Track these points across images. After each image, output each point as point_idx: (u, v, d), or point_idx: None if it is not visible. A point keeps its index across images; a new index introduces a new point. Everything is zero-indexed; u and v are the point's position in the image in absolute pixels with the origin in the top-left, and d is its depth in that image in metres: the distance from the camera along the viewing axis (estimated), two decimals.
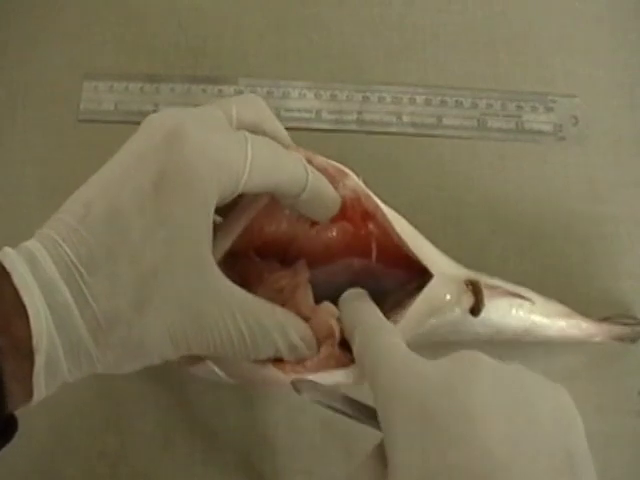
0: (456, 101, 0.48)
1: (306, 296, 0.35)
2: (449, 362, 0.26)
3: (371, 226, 0.36)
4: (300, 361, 0.33)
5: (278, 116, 0.47)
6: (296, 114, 0.47)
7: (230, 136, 0.30)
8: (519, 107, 0.48)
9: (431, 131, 0.47)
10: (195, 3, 0.51)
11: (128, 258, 0.26)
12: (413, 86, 0.48)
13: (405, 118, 0.47)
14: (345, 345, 0.34)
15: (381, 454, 0.26)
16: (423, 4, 0.51)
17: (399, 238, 0.35)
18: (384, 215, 0.35)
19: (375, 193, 0.44)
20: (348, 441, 0.41)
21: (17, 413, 0.40)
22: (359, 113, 0.47)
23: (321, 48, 0.49)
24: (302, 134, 0.47)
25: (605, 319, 0.42)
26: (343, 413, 0.30)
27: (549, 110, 0.48)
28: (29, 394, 0.26)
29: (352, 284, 0.36)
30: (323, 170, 0.34)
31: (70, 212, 0.27)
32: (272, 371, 0.32)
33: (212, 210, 0.29)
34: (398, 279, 0.37)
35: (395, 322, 0.34)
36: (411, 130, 0.47)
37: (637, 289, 0.44)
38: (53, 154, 0.46)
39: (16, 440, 0.40)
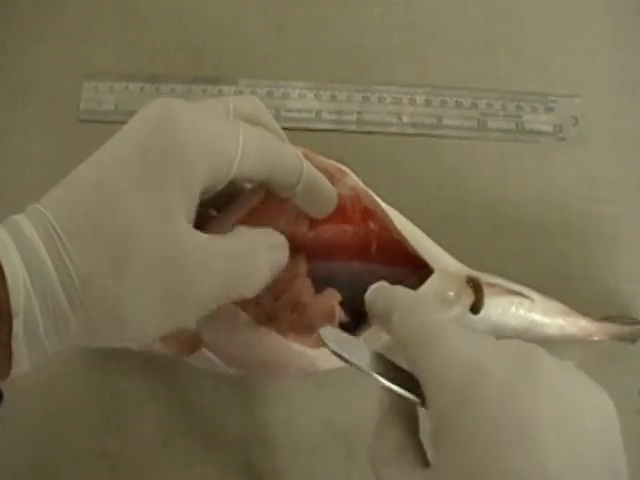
0: (456, 101, 0.48)
1: (305, 284, 0.35)
2: (510, 355, 0.25)
3: (371, 225, 0.36)
4: (297, 331, 0.33)
5: (278, 116, 0.47)
6: (296, 114, 0.47)
7: (223, 122, 0.30)
8: (519, 107, 0.48)
9: (431, 131, 0.47)
10: (195, 3, 0.51)
11: (108, 221, 0.26)
12: (413, 86, 0.48)
13: (405, 118, 0.47)
14: (345, 329, 0.34)
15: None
16: (423, 4, 0.51)
17: (399, 234, 0.35)
18: (384, 211, 0.35)
19: (376, 193, 0.44)
20: (348, 441, 0.41)
21: (16, 414, 0.41)
22: (359, 113, 0.47)
23: (321, 48, 0.49)
24: (302, 134, 0.47)
25: (604, 319, 0.42)
26: (370, 375, 0.27)
27: (549, 110, 0.48)
28: (9, 361, 0.26)
29: (352, 282, 0.36)
30: (322, 169, 0.34)
31: (58, 185, 0.28)
32: (274, 337, 0.32)
33: (198, 190, 0.29)
34: (399, 275, 0.37)
35: None
36: (411, 130, 0.47)
37: (637, 290, 0.44)
38: (53, 154, 0.46)
39: (15, 440, 0.41)
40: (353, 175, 0.35)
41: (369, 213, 0.35)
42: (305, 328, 0.34)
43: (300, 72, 0.49)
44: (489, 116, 0.47)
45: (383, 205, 0.35)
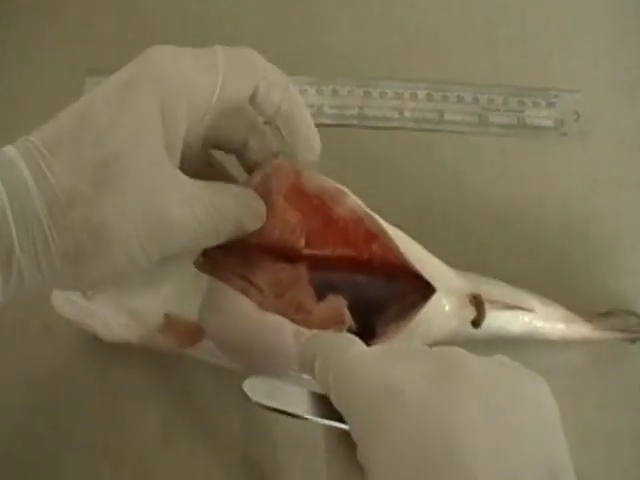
0: (458, 96, 0.48)
1: (307, 291, 0.35)
2: (428, 369, 0.23)
3: (374, 247, 0.35)
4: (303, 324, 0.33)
5: None
6: None
7: (201, 54, 0.31)
8: (521, 102, 0.48)
9: (432, 126, 0.47)
10: (196, 0, 0.51)
11: (92, 141, 0.27)
12: (415, 81, 0.48)
13: (407, 113, 0.47)
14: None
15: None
16: (423, 1, 0.51)
17: (402, 255, 0.35)
18: (385, 234, 0.34)
19: (377, 189, 0.44)
20: None
21: (18, 409, 0.41)
22: (360, 108, 0.47)
23: (323, 44, 0.49)
24: None
25: (605, 313, 0.42)
26: (306, 419, 0.27)
27: (551, 105, 0.48)
28: None
29: (354, 294, 0.35)
30: (321, 189, 0.34)
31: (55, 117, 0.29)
32: (280, 319, 0.33)
33: (181, 117, 0.29)
34: (400, 290, 0.37)
35: (398, 333, 0.34)
36: (412, 125, 0.47)
37: (638, 286, 0.44)
38: None
39: (17, 435, 0.41)
40: (353, 196, 0.34)
41: (371, 236, 0.35)
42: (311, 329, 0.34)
43: (301, 68, 0.48)
44: (490, 111, 0.47)
45: (384, 224, 0.35)
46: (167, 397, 0.42)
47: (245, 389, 0.27)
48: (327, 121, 0.47)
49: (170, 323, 0.33)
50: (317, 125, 0.47)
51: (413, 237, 0.44)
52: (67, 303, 0.35)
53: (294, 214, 0.34)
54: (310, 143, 0.34)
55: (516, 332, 0.38)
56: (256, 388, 0.27)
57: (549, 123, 0.47)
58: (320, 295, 0.35)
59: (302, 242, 0.34)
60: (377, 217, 0.35)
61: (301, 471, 0.41)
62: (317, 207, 0.34)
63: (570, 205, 0.46)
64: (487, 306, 0.36)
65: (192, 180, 0.30)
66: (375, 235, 0.35)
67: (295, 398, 0.27)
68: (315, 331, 0.32)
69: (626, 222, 0.46)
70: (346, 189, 0.34)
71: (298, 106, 0.33)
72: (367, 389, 0.23)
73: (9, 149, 0.27)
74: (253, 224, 0.33)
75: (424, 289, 0.35)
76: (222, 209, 0.31)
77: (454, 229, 0.45)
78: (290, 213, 0.34)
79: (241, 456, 0.41)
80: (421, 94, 0.48)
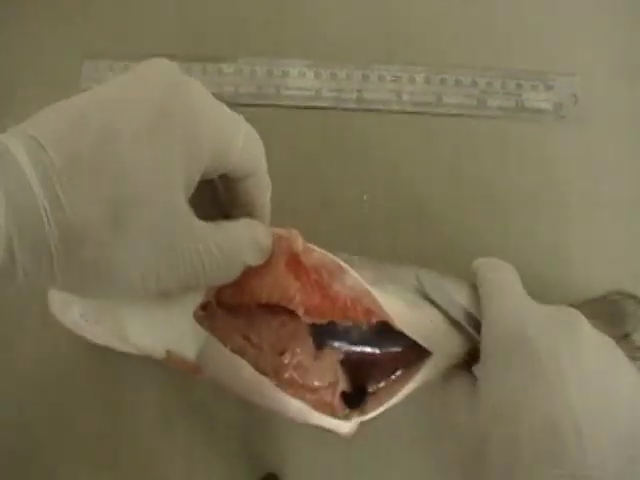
0: (456, 80, 0.48)
1: (307, 345, 0.35)
2: (554, 316, 0.31)
3: (373, 319, 0.35)
4: (299, 388, 0.34)
5: (278, 94, 0.47)
6: (296, 92, 0.47)
7: (228, 109, 0.30)
8: (519, 85, 0.48)
9: (431, 109, 0.47)
10: None
11: (114, 176, 0.25)
12: (413, 65, 0.48)
13: (405, 96, 0.47)
14: (346, 398, 0.35)
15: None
16: None
17: (398, 326, 0.35)
18: (384, 311, 0.34)
19: (376, 172, 0.44)
20: None
21: (17, 398, 0.41)
22: (359, 91, 0.47)
23: (321, 27, 0.49)
24: (302, 112, 0.47)
25: (602, 297, 0.42)
26: (452, 320, 0.34)
27: (549, 88, 0.48)
28: None
29: (353, 339, 0.36)
30: (321, 263, 0.34)
31: (63, 116, 0.26)
32: (274, 390, 0.33)
33: (201, 166, 0.28)
34: (400, 340, 0.37)
35: (394, 394, 0.35)
36: (411, 109, 0.47)
37: (636, 270, 0.45)
38: None
39: (16, 423, 0.41)
40: (352, 272, 0.34)
41: (370, 312, 0.35)
42: (306, 390, 0.34)
43: (300, 51, 0.48)
44: (489, 94, 0.47)
45: (382, 302, 0.34)
46: (166, 386, 0.42)
47: (419, 277, 0.35)
48: (325, 104, 0.47)
49: (171, 359, 0.34)
50: (315, 108, 0.47)
51: (411, 222, 0.44)
52: (67, 317, 0.35)
53: (294, 283, 0.34)
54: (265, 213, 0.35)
55: None
56: (427, 279, 0.35)
57: (547, 106, 0.47)
58: (320, 341, 0.35)
59: (301, 311, 0.34)
60: (374, 292, 0.34)
61: (301, 458, 0.41)
62: (315, 282, 0.34)
63: (568, 186, 0.46)
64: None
65: (205, 224, 0.29)
66: (374, 311, 0.34)
67: (451, 302, 0.35)
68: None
69: (623, 205, 0.46)
70: (345, 265, 0.34)
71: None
72: (502, 315, 0.32)
73: (22, 158, 0.24)
74: (258, 261, 0.33)
75: (420, 350, 0.35)
76: (232, 253, 0.31)
77: (453, 212, 0.45)
78: (290, 281, 0.34)
79: (241, 444, 0.41)
80: (419, 77, 0.48)
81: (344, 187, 0.45)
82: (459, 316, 0.34)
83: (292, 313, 0.34)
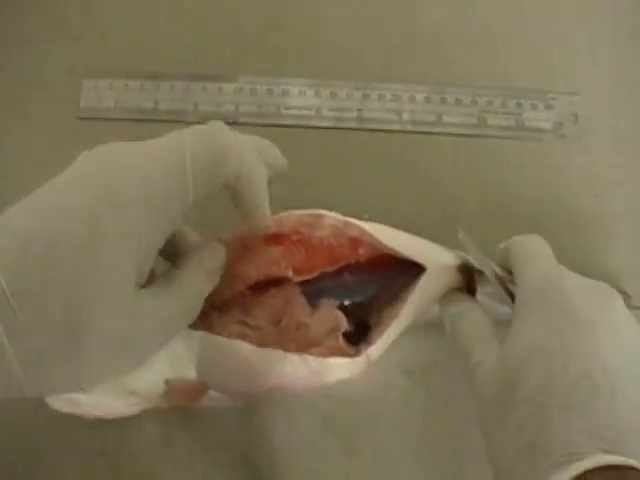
0: (456, 99, 0.48)
1: (301, 304, 0.35)
2: (592, 288, 0.32)
3: (361, 251, 0.36)
4: (304, 349, 0.34)
5: (278, 113, 0.47)
6: (296, 112, 0.47)
7: (166, 159, 0.28)
8: (519, 104, 0.48)
9: (431, 129, 0.47)
10: (195, 1, 0.51)
11: (62, 287, 0.25)
12: (413, 84, 0.48)
13: (405, 116, 0.47)
14: (350, 338, 0.35)
15: None
16: (423, 2, 0.51)
17: (388, 247, 0.35)
18: (367, 233, 0.35)
19: (375, 190, 0.44)
20: (348, 439, 0.41)
21: (14, 412, 0.41)
22: (359, 111, 0.47)
23: (321, 46, 0.49)
24: (302, 132, 0.47)
25: None
26: (487, 274, 0.35)
27: (549, 108, 0.48)
28: None
29: (345, 294, 0.37)
30: (297, 222, 0.35)
31: (10, 242, 0.26)
32: (280, 354, 0.33)
33: (154, 240, 0.28)
34: (389, 278, 0.38)
35: (395, 316, 0.35)
36: (411, 128, 0.47)
37: (636, 287, 0.44)
38: (53, 152, 0.46)
39: (14, 437, 0.41)
40: (328, 213, 0.35)
41: (355, 241, 0.35)
42: (311, 344, 0.34)
43: (300, 70, 0.49)
44: (489, 113, 0.47)
45: (363, 225, 0.35)
46: None
47: (461, 239, 0.36)
48: (326, 124, 0.47)
49: (172, 388, 0.34)
50: (316, 128, 0.47)
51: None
52: (62, 401, 0.35)
53: (276, 249, 0.35)
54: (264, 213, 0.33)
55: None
56: (467, 240, 0.36)
57: (548, 125, 0.47)
58: (313, 302, 0.36)
59: (290, 272, 0.35)
60: (355, 220, 0.35)
61: (300, 473, 0.41)
62: (297, 241, 0.35)
63: (568, 206, 0.46)
64: (478, 278, 0.38)
65: (156, 305, 0.29)
66: (359, 239, 0.35)
67: (485, 263, 0.36)
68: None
69: (624, 223, 0.46)
70: (321, 211, 0.35)
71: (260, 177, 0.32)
72: (538, 273, 0.32)
73: None
74: (213, 285, 0.33)
75: (413, 271, 0.36)
76: (181, 321, 0.31)
77: (453, 231, 0.45)
78: (274, 251, 0.35)
79: (239, 458, 0.41)
80: (419, 96, 0.48)
81: (344, 206, 0.45)
82: (489, 271, 0.35)
83: (279, 283, 0.35)
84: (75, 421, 0.41)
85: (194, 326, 0.33)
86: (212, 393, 0.35)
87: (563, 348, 0.28)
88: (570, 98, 0.48)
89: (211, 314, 0.35)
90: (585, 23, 0.50)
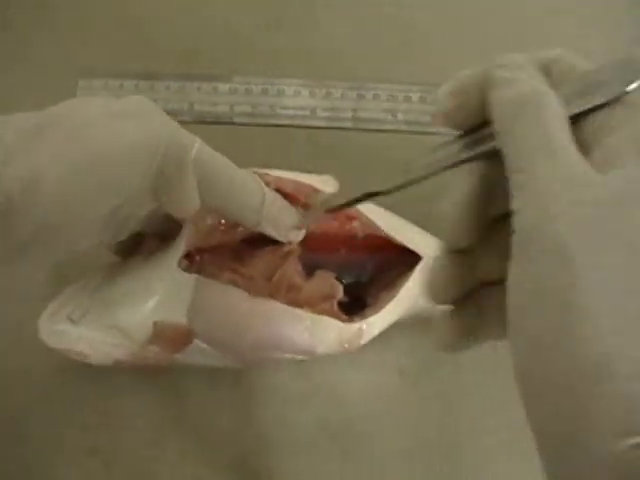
0: None
1: (296, 268, 0.35)
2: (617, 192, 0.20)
3: (356, 224, 0.37)
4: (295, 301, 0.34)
5: (273, 113, 0.47)
6: (291, 112, 0.47)
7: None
8: None
9: (426, 129, 0.47)
10: (190, 1, 0.51)
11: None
12: (408, 84, 0.48)
13: (400, 116, 0.47)
14: (344, 310, 0.35)
15: None
16: (417, 2, 0.51)
17: (384, 232, 0.36)
18: (366, 217, 0.36)
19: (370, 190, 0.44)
20: (342, 439, 0.41)
21: (7, 412, 0.41)
22: (354, 111, 0.47)
23: (316, 46, 0.49)
24: (297, 131, 0.47)
25: None
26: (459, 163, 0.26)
27: None
28: None
29: (340, 270, 0.37)
30: (296, 189, 0.35)
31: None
32: (271, 303, 0.33)
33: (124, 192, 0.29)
34: (386, 263, 0.38)
35: (392, 297, 0.36)
36: (406, 128, 0.47)
37: None
38: None
39: (8, 440, 0.41)
40: (327, 189, 0.36)
41: (351, 216, 0.36)
42: (303, 304, 0.35)
43: (295, 70, 0.49)
44: None
45: (363, 210, 0.36)
46: (159, 399, 0.42)
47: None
48: (321, 124, 0.47)
49: (160, 330, 0.34)
50: (311, 128, 0.47)
51: None
52: (55, 334, 0.35)
53: None
54: (295, 233, 0.35)
55: None
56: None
57: None
58: (308, 274, 0.36)
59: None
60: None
61: (294, 473, 0.41)
62: (295, 198, 0.35)
63: None
64: None
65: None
66: (355, 215, 0.36)
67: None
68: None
69: None
70: (317, 185, 0.36)
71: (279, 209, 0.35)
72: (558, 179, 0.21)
73: None
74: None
75: (409, 258, 0.37)
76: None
77: None
78: None
79: (233, 458, 0.41)
80: (414, 96, 0.48)
81: None
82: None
83: (277, 243, 0.35)
84: (69, 419, 0.41)
85: (188, 269, 0.34)
86: (197, 343, 0.34)
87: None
88: None
89: (203, 256, 0.35)
90: (585, 23, 0.50)
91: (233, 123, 0.47)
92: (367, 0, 0.51)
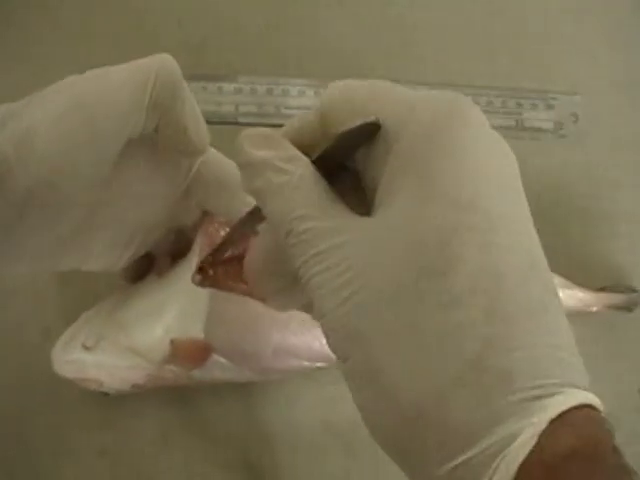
0: None
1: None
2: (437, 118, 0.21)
3: None
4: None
5: (278, 113, 0.47)
6: (296, 112, 0.47)
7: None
8: (519, 104, 0.48)
9: None
10: (195, 1, 0.51)
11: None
12: (412, 84, 0.48)
13: None
14: None
15: None
16: (423, 2, 0.51)
17: None
18: None
19: None
20: (348, 439, 0.41)
21: (15, 413, 0.41)
22: None
23: (320, 46, 0.49)
24: None
25: (602, 289, 0.42)
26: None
27: (549, 108, 0.48)
28: None
29: None
30: None
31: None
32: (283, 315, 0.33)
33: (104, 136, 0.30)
34: None
35: None
36: None
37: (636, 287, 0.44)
38: None
39: (15, 440, 0.41)
40: None
41: None
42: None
43: (299, 70, 0.49)
44: (489, 113, 0.47)
45: None
46: (165, 400, 0.42)
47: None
48: None
49: (177, 347, 0.34)
50: None
51: None
52: (68, 363, 0.35)
53: None
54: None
55: None
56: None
57: (548, 125, 0.47)
58: None
59: None
60: None
61: (300, 473, 0.41)
62: None
63: (568, 205, 0.46)
64: None
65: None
66: None
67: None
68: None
69: (623, 222, 0.46)
70: None
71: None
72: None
73: None
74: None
75: None
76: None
77: None
78: None
79: (240, 458, 0.41)
80: None
81: None
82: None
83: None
84: (75, 422, 0.41)
85: (202, 284, 0.34)
86: (216, 358, 0.34)
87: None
88: (570, 98, 0.48)
89: (215, 270, 0.35)
90: (585, 23, 0.50)
91: (238, 123, 0.47)
92: (371, 0, 0.51)
